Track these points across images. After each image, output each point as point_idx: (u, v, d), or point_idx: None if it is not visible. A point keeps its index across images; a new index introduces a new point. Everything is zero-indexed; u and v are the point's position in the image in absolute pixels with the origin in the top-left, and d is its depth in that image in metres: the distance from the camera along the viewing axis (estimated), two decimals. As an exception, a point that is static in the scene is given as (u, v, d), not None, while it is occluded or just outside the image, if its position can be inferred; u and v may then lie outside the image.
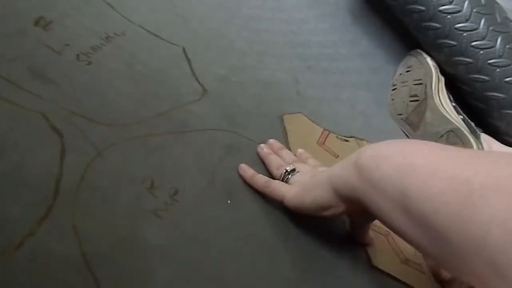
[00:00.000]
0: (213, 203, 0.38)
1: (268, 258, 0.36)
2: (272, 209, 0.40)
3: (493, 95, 0.58)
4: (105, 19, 0.49)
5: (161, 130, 0.41)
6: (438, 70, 0.62)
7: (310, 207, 0.36)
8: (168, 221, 0.34)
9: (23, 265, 0.27)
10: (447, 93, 0.60)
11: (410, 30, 0.65)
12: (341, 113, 0.59)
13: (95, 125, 0.38)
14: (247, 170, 0.42)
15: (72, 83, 0.40)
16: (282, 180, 0.41)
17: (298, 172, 0.41)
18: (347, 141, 0.55)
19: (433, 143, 0.30)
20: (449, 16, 0.58)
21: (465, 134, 0.54)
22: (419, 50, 0.66)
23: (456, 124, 0.56)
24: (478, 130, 0.58)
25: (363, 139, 0.56)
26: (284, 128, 0.50)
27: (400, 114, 0.63)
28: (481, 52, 0.57)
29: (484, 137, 0.58)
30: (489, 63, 0.57)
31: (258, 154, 0.45)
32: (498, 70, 0.57)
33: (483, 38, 0.57)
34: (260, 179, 0.41)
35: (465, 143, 0.54)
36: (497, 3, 0.60)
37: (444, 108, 0.58)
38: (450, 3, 0.58)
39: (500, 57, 0.56)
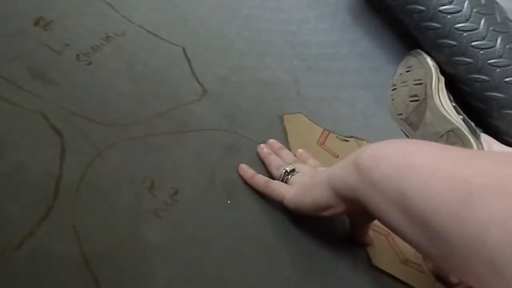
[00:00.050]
0: (213, 203, 0.38)
1: (268, 258, 0.36)
2: (272, 209, 0.40)
3: (493, 95, 0.58)
4: (105, 19, 0.49)
5: (161, 130, 0.41)
6: (438, 70, 0.62)
7: (309, 207, 0.36)
8: (168, 221, 0.34)
9: (23, 265, 0.27)
10: (447, 93, 0.60)
11: (410, 30, 0.65)
12: (341, 113, 0.59)
13: (95, 125, 0.38)
14: (247, 170, 0.42)
15: (72, 83, 0.40)
16: (282, 180, 0.41)
17: (297, 172, 0.41)
18: (347, 141, 0.55)
19: (433, 143, 0.30)
20: (449, 16, 0.58)
21: (465, 134, 0.54)
22: (419, 50, 0.66)
23: (456, 124, 0.56)
24: (478, 130, 0.58)
25: (363, 139, 0.56)
26: (284, 128, 0.50)
27: (400, 114, 0.63)
28: (481, 52, 0.57)
29: (484, 137, 0.58)
30: (489, 63, 0.57)
31: (258, 154, 0.45)
32: (498, 70, 0.57)
33: (483, 38, 0.57)
34: (260, 179, 0.41)
35: (465, 143, 0.54)
36: (497, 3, 0.60)
37: (444, 108, 0.58)
38: (450, 3, 0.58)
39: (500, 57, 0.56)
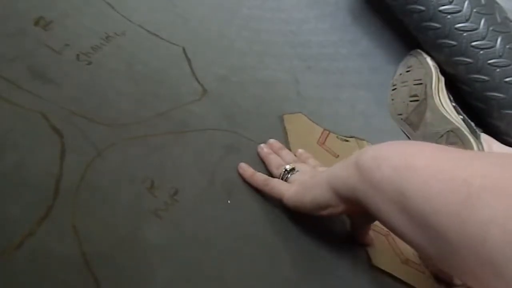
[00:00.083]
0: (213, 203, 0.38)
1: (268, 258, 0.36)
2: (272, 209, 0.40)
3: (493, 95, 0.58)
4: (105, 19, 0.49)
5: (161, 130, 0.41)
6: (438, 70, 0.62)
7: (309, 206, 0.37)
8: (168, 221, 0.34)
9: (23, 265, 0.27)
10: (447, 93, 0.60)
11: (410, 30, 0.65)
12: (341, 113, 0.59)
13: (95, 125, 0.38)
14: (246, 169, 0.42)
15: (72, 83, 0.40)
16: (282, 179, 0.41)
17: (297, 171, 0.41)
18: (347, 141, 0.55)
19: (434, 145, 0.30)
20: (449, 16, 0.58)
21: (465, 134, 0.54)
22: (419, 50, 0.66)
23: (456, 124, 0.56)
24: (478, 130, 0.58)
25: (363, 139, 0.56)
26: (284, 128, 0.50)
27: (400, 114, 0.63)
28: (481, 52, 0.57)
29: (484, 137, 0.58)
30: (489, 63, 0.57)
31: (258, 154, 0.45)
32: (498, 70, 0.57)
33: (483, 38, 0.57)
34: (260, 177, 0.41)
35: (465, 143, 0.54)
36: (497, 3, 0.60)
37: (444, 108, 0.58)
38: (450, 3, 0.58)
39: (500, 57, 0.56)
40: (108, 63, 0.44)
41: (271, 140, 0.46)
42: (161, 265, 0.31)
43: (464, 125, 0.56)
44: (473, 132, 0.56)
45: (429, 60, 0.63)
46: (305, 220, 0.40)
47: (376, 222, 0.40)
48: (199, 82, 0.49)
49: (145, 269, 0.30)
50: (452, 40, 0.58)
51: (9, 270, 0.26)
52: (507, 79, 0.57)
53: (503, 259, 0.21)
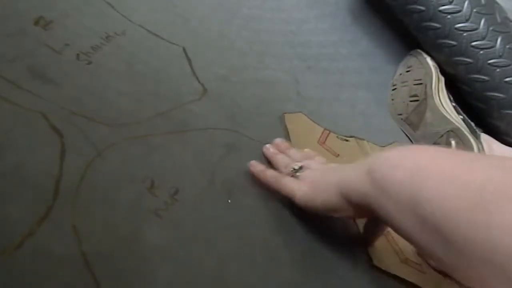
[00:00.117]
0: (213, 202, 0.38)
1: (268, 258, 0.36)
2: (272, 208, 0.40)
3: (493, 95, 0.58)
4: (105, 19, 0.49)
5: (161, 130, 0.41)
6: (438, 70, 0.62)
7: (320, 208, 0.37)
8: (168, 221, 0.34)
9: (23, 265, 0.27)
10: (447, 93, 0.60)
11: (410, 30, 0.65)
12: (341, 113, 0.59)
13: (95, 125, 0.38)
14: (257, 165, 0.42)
15: (72, 83, 0.40)
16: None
17: (307, 169, 0.40)
18: (347, 140, 0.55)
19: (446, 149, 0.30)
20: (449, 16, 0.58)
21: (465, 134, 0.54)
22: (419, 50, 0.66)
23: (456, 124, 0.56)
24: (478, 130, 0.58)
25: (363, 139, 0.56)
26: (285, 126, 0.50)
27: (400, 114, 0.63)
28: (481, 52, 0.57)
29: (484, 137, 0.58)
30: (489, 63, 0.57)
31: (263, 154, 0.45)
32: (498, 70, 0.57)
33: (483, 38, 0.57)
34: (271, 174, 0.41)
35: (465, 143, 0.54)
36: (497, 3, 0.60)
37: (444, 108, 0.58)
38: (450, 3, 0.58)
39: (500, 57, 0.56)
40: (108, 63, 0.44)
41: (277, 140, 0.46)
42: (161, 265, 0.31)
43: (464, 125, 0.56)
44: (473, 132, 0.56)
45: (429, 60, 0.63)
46: (306, 220, 0.40)
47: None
48: (199, 82, 0.49)
49: (145, 269, 0.30)
50: (452, 40, 0.58)
51: (9, 270, 0.26)
52: (507, 79, 0.57)
53: None
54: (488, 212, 0.22)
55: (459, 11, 0.57)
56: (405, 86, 0.65)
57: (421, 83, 0.62)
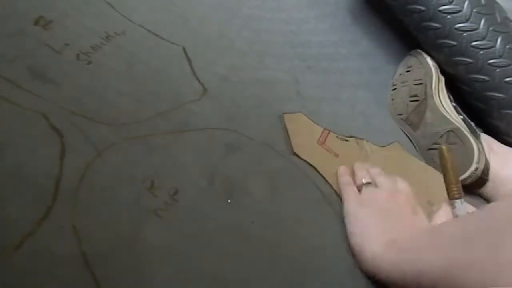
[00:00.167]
0: (213, 202, 0.38)
1: (268, 258, 0.36)
2: (272, 208, 0.40)
3: (493, 95, 0.58)
4: (105, 19, 0.49)
5: (161, 129, 0.41)
6: (438, 70, 0.62)
7: (352, 230, 0.41)
8: (168, 221, 0.34)
9: (23, 265, 0.27)
10: (447, 93, 0.60)
11: (410, 30, 0.65)
12: (341, 113, 0.59)
13: (95, 125, 0.38)
14: (343, 168, 0.47)
15: (72, 83, 0.40)
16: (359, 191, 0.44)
17: (375, 188, 0.44)
18: (347, 140, 0.55)
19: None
20: (449, 16, 0.58)
21: (465, 134, 0.54)
22: (419, 50, 0.66)
23: (456, 124, 0.56)
24: (478, 130, 0.58)
25: (362, 139, 0.56)
26: (285, 126, 0.50)
27: (400, 114, 0.63)
28: (481, 52, 0.57)
29: (484, 137, 0.58)
30: (489, 63, 0.57)
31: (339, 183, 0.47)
32: (498, 70, 0.57)
33: (483, 38, 0.57)
34: (344, 179, 0.46)
35: (465, 143, 0.54)
36: (497, 3, 0.60)
37: (444, 108, 0.58)
38: (450, 3, 0.58)
39: (500, 57, 0.56)
40: (108, 62, 0.44)
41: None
42: (161, 265, 0.31)
43: (464, 125, 0.56)
44: (473, 132, 0.56)
45: (429, 60, 0.63)
46: (305, 220, 0.40)
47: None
48: (199, 82, 0.49)
49: (145, 269, 0.30)
50: (452, 40, 0.58)
51: (9, 270, 0.26)
52: (507, 79, 0.56)
53: None
54: None
55: (459, 11, 0.57)
56: (405, 86, 0.65)
57: (421, 83, 0.62)
